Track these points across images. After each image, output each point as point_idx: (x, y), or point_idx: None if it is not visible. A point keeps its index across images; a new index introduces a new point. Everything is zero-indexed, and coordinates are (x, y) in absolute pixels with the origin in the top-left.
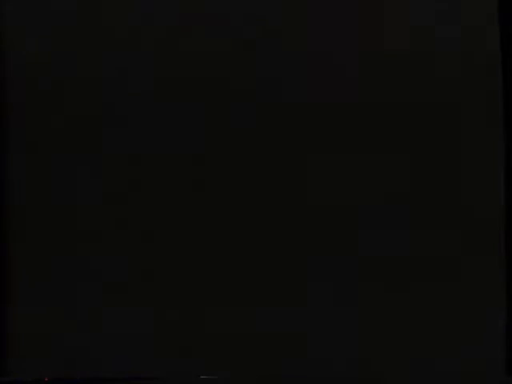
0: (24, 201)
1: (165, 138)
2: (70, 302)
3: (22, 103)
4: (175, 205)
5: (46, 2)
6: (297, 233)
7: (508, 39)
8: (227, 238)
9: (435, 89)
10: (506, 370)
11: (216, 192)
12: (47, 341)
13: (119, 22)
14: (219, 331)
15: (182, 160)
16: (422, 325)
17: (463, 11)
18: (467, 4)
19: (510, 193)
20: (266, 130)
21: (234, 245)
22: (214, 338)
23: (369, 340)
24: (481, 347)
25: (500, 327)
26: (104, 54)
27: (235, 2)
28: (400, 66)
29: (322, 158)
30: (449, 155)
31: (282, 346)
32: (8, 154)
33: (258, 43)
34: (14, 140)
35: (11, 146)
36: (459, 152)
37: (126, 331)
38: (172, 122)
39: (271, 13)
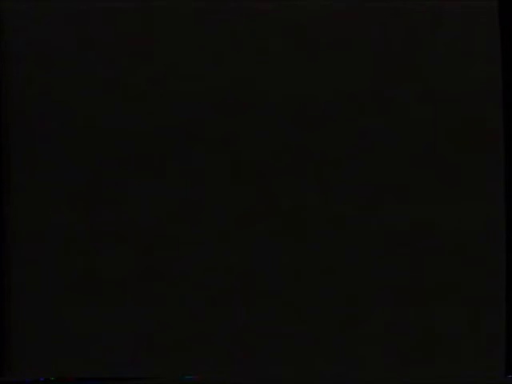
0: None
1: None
2: (69, 302)
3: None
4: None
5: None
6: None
7: (508, 41)
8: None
9: (435, 87)
10: (506, 370)
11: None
12: (48, 341)
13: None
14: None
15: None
16: (421, 324)
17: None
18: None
19: (510, 194)
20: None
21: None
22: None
23: (364, 341)
24: (481, 347)
25: (500, 327)
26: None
27: None
28: (401, 70)
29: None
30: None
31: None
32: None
33: None
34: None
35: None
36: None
37: (126, 331)
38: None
39: None
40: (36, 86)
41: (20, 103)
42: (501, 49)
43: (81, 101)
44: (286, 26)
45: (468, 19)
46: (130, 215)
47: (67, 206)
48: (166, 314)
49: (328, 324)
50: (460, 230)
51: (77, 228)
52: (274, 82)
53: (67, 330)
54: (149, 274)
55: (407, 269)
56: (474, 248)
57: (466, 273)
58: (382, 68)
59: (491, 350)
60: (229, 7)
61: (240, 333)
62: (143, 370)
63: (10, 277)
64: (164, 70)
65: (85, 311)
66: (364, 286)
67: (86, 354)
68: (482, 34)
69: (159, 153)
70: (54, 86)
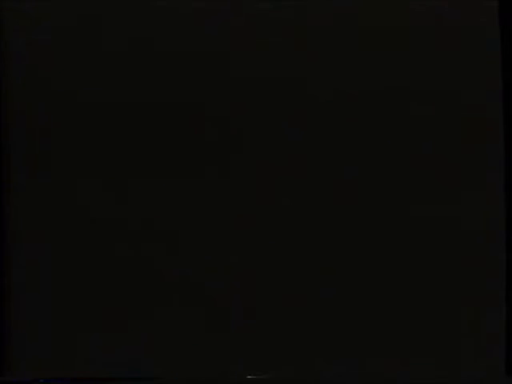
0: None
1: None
2: (70, 302)
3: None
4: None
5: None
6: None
7: (508, 40)
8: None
9: (435, 87)
10: (506, 370)
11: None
12: (48, 341)
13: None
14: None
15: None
16: (421, 324)
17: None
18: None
19: (510, 194)
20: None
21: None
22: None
23: (362, 337)
24: (481, 347)
25: (500, 327)
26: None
27: None
28: (401, 63)
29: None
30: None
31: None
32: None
33: None
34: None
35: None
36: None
37: (126, 331)
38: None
39: None
40: (36, 86)
41: (20, 103)
42: (501, 49)
43: (81, 101)
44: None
45: (468, 19)
46: (130, 216)
47: (67, 206)
48: (166, 315)
49: (327, 324)
50: (459, 229)
51: (77, 227)
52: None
53: (67, 330)
54: (150, 273)
55: (406, 268)
56: (473, 247)
57: (466, 272)
58: (381, 68)
59: (491, 350)
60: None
61: (241, 332)
62: (143, 370)
63: (10, 277)
64: (167, 73)
65: (85, 311)
66: (362, 285)
67: (85, 353)
68: (482, 34)
69: (157, 156)
70: (54, 86)
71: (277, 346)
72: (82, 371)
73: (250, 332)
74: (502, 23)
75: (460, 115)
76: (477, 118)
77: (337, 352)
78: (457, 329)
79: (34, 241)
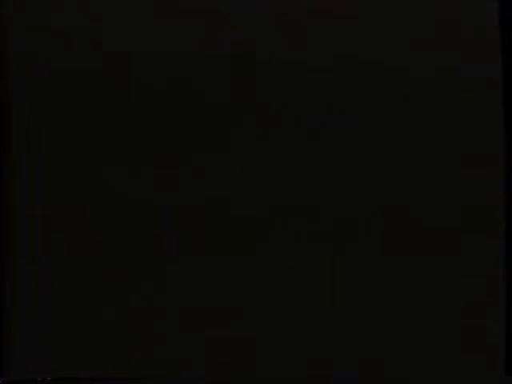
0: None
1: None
2: (69, 302)
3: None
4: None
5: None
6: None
7: (508, 41)
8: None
9: (435, 87)
10: (506, 370)
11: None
12: (47, 341)
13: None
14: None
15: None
16: (421, 325)
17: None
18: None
19: (510, 192)
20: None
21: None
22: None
23: (364, 337)
24: (481, 347)
25: (500, 327)
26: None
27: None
28: (402, 66)
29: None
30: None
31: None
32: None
33: None
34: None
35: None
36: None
37: (126, 331)
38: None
39: None
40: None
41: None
42: (501, 49)
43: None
44: None
45: (468, 19)
46: (130, 217)
47: (68, 205)
48: (165, 313)
49: (328, 325)
50: (459, 226)
51: (76, 227)
52: None
53: (67, 330)
54: (150, 273)
55: (406, 268)
56: (473, 246)
57: (466, 272)
58: (381, 70)
59: (491, 350)
60: None
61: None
62: (143, 370)
63: (10, 277)
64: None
65: (85, 311)
66: (360, 283)
67: (85, 354)
68: (482, 34)
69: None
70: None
71: (277, 347)
72: (81, 371)
73: (250, 332)
74: (502, 23)
75: (459, 115)
76: (476, 118)
77: (337, 352)
78: (457, 328)
79: (34, 241)
